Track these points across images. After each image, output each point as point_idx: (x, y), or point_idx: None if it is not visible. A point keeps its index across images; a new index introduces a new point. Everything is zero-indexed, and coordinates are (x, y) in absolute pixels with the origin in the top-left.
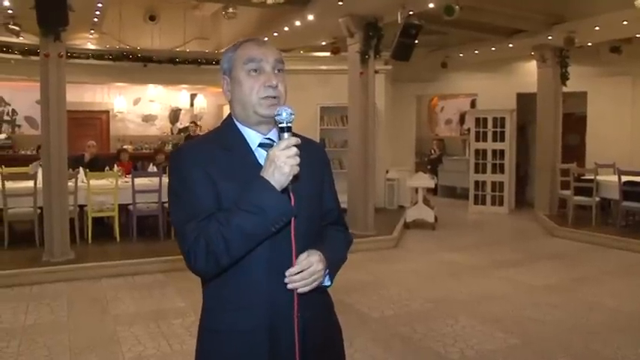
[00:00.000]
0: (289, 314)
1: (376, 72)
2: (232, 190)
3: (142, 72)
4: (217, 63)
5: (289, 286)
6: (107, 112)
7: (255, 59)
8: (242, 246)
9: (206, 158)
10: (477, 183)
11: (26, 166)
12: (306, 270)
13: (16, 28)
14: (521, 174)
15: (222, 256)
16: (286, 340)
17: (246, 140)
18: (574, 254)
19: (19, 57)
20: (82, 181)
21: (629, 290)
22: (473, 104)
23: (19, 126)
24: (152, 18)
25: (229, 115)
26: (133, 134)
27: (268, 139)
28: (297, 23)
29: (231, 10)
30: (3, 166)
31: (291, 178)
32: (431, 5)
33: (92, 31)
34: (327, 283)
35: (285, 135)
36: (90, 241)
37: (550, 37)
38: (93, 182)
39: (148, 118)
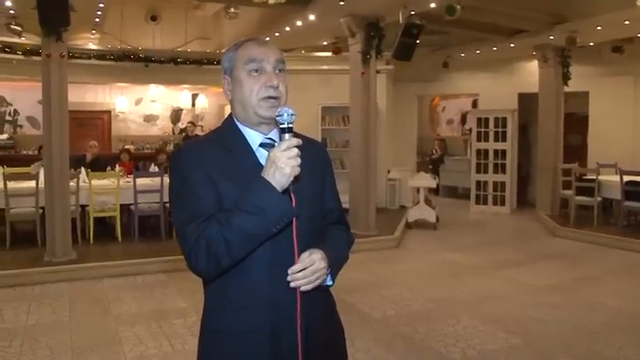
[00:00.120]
0: (292, 314)
1: (378, 72)
2: (233, 190)
3: (143, 72)
4: (219, 63)
5: (292, 284)
6: (109, 112)
7: (257, 59)
8: (243, 247)
9: (207, 158)
10: (478, 183)
11: (28, 166)
12: (308, 268)
13: (18, 28)
14: (523, 174)
15: (224, 257)
16: (288, 340)
17: (246, 140)
18: (576, 254)
19: (21, 57)
20: (84, 181)
21: (631, 290)
22: (474, 104)
23: (20, 126)
24: (153, 18)
25: (230, 115)
26: (135, 134)
27: (269, 139)
28: (299, 23)
29: (232, 10)
30: (5, 166)
31: (292, 179)
32: (432, 5)
33: (94, 32)
34: (329, 282)
35: (287, 136)
36: (92, 241)
37: (552, 37)
38: (94, 182)
39: (149, 118)
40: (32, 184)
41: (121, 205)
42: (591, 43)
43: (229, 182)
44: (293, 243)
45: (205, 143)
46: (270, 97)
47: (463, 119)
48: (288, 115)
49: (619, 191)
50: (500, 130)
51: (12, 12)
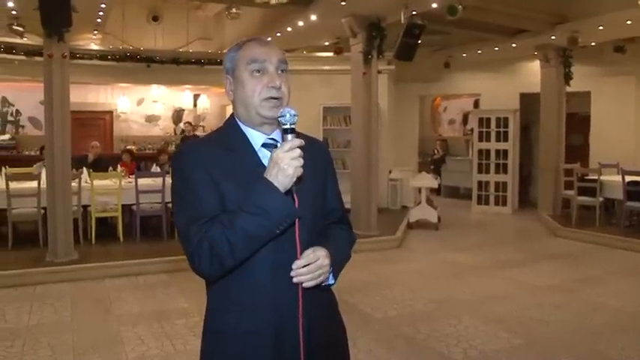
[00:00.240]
0: (294, 314)
1: (379, 72)
2: (235, 190)
3: (145, 72)
4: (220, 63)
5: (295, 280)
6: (110, 112)
7: (259, 60)
8: (246, 248)
9: (208, 158)
10: (480, 183)
11: (30, 167)
12: (313, 263)
13: (20, 28)
14: (525, 174)
15: (227, 259)
16: (291, 340)
17: (249, 140)
18: (578, 254)
19: (23, 58)
20: (86, 182)
21: (633, 290)
22: (476, 104)
23: (22, 126)
24: (155, 18)
25: (232, 115)
26: (137, 134)
27: (271, 139)
28: (300, 23)
29: (234, 10)
30: (7, 167)
31: (295, 179)
32: (434, 5)
33: (95, 32)
34: (331, 281)
35: (289, 136)
36: (93, 241)
37: (553, 37)
38: (96, 182)
39: (151, 119)
40: (34, 184)
41: (123, 206)
42: (593, 43)
43: (231, 182)
44: (296, 243)
45: (207, 143)
46: (272, 98)
47: (465, 119)
48: (290, 115)
49: (621, 191)
50: (501, 130)
51: (14, 13)
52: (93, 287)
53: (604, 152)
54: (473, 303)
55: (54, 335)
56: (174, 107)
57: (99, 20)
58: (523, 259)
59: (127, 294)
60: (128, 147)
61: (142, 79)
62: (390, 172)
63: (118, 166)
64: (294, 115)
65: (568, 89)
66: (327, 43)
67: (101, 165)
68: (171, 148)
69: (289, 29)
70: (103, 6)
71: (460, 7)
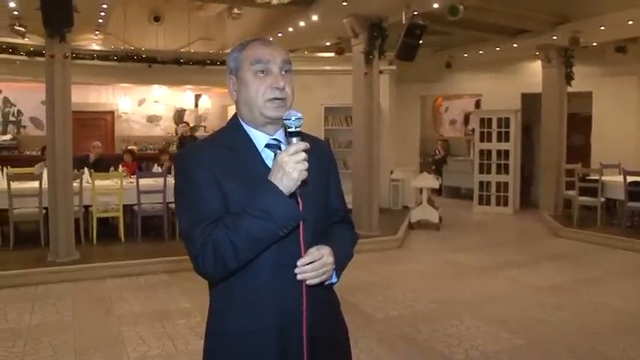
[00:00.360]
0: (298, 313)
1: (380, 72)
2: (238, 190)
3: (146, 73)
4: (222, 64)
5: (299, 277)
6: (112, 112)
7: (262, 60)
8: (250, 250)
9: (211, 159)
10: (481, 183)
11: (31, 167)
12: (317, 261)
13: (22, 29)
14: (526, 174)
15: (231, 261)
16: (295, 340)
17: (252, 141)
18: (579, 255)
19: (25, 58)
20: (87, 182)
21: (635, 291)
22: (477, 104)
23: (24, 127)
24: (157, 19)
25: (235, 116)
26: (138, 135)
27: (275, 139)
28: (302, 24)
29: (235, 10)
30: (8, 167)
31: (299, 183)
32: (435, 5)
33: (97, 32)
34: (333, 279)
35: (294, 140)
36: (95, 241)
37: (555, 37)
38: (98, 183)
39: (152, 119)
40: (36, 184)
41: (124, 206)
42: (594, 43)
43: (234, 182)
44: (299, 245)
45: (210, 144)
46: (276, 99)
47: (466, 120)
48: (295, 118)
49: (622, 191)
50: (503, 130)
51: (16, 13)
52: (94, 287)
53: (605, 152)
54: (474, 303)
55: (55, 335)
56: (176, 107)
57: (100, 20)
58: (524, 259)
59: (129, 294)
60: (129, 147)
61: (143, 80)
62: (391, 172)
63: (120, 166)
64: (300, 119)
65: (569, 89)
66: (328, 44)
67: (102, 165)
68: (173, 148)
69: (291, 29)
70: (105, 6)
71: (461, 7)
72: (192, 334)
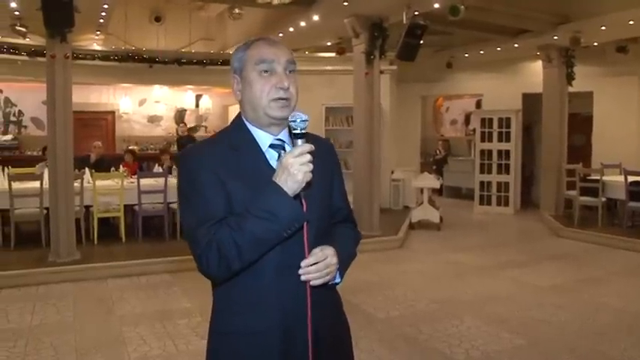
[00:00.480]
0: (302, 313)
1: (381, 72)
2: (242, 190)
3: (147, 73)
4: (223, 64)
5: (303, 278)
6: (113, 112)
7: (267, 60)
8: (254, 251)
9: (214, 159)
10: (482, 183)
11: (32, 167)
12: (321, 262)
13: (23, 29)
14: (527, 174)
15: (235, 261)
16: (299, 340)
17: (256, 141)
18: (580, 255)
19: (26, 58)
20: (88, 182)
21: (636, 291)
22: (478, 104)
23: (25, 127)
24: (157, 19)
25: (239, 115)
26: (139, 135)
27: (279, 139)
28: (303, 24)
29: (236, 10)
30: (9, 167)
31: (304, 185)
32: (436, 5)
33: (98, 32)
34: (337, 279)
35: (299, 141)
36: (96, 241)
37: (556, 37)
38: (99, 183)
39: (153, 119)
40: (36, 184)
41: (125, 206)
42: (595, 43)
43: (238, 182)
44: (303, 245)
45: (214, 143)
46: (280, 99)
47: (467, 120)
48: (301, 120)
49: (623, 191)
50: (504, 130)
51: (17, 13)
52: (95, 287)
53: (606, 152)
54: (475, 303)
55: (56, 335)
56: (177, 107)
57: (101, 21)
58: (525, 259)
59: (130, 294)
60: (130, 147)
61: (144, 80)
62: (392, 172)
63: (121, 166)
64: (305, 121)
65: (570, 89)
66: (329, 44)
67: (103, 165)
68: (174, 148)
69: (291, 29)
70: (106, 6)
71: (462, 7)
72: (194, 335)
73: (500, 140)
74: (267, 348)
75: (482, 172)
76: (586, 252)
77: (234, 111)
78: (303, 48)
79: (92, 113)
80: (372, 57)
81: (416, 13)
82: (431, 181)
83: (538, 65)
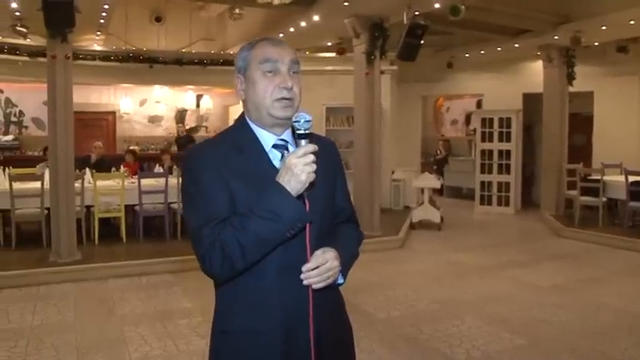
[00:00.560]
0: (304, 314)
1: (382, 72)
2: (245, 190)
3: (148, 73)
4: (223, 64)
5: (305, 282)
6: (113, 113)
7: (271, 59)
8: (257, 251)
9: (218, 159)
10: (482, 183)
11: (33, 167)
12: (322, 266)
13: (24, 29)
14: (528, 174)
15: (238, 261)
16: (301, 340)
17: (259, 140)
18: (580, 255)
19: (27, 58)
20: (89, 182)
21: (636, 291)
22: (479, 104)
23: (26, 127)
24: (158, 19)
25: (242, 115)
26: (139, 135)
27: (282, 140)
28: (303, 24)
29: (237, 10)
30: (10, 167)
31: (307, 185)
32: (437, 5)
33: (98, 33)
34: (340, 280)
35: (303, 142)
36: (96, 241)
37: (556, 37)
38: (99, 183)
39: (154, 119)
40: (37, 184)
41: (126, 206)
42: (596, 43)
43: (241, 182)
44: (305, 245)
45: (217, 143)
46: (284, 99)
47: (467, 120)
48: (305, 121)
49: (624, 191)
50: (504, 130)
51: (17, 14)
52: (96, 287)
53: (607, 152)
54: (476, 303)
55: (57, 335)
56: (177, 108)
57: (102, 21)
58: (526, 259)
59: (130, 294)
60: (131, 147)
61: (144, 80)
62: (392, 172)
63: (121, 166)
64: (309, 121)
65: (571, 89)
66: (329, 44)
67: (104, 165)
68: (174, 148)
69: (292, 30)
70: (106, 7)
71: (463, 7)
72: (194, 335)
73: (500, 140)
74: (269, 348)
75: (482, 172)
76: (587, 252)
77: (234, 111)
78: (304, 48)
79: (93, 113)
80: (372, 57)
81: (416, 13)
82: (431, 181)
83: (538, 65)
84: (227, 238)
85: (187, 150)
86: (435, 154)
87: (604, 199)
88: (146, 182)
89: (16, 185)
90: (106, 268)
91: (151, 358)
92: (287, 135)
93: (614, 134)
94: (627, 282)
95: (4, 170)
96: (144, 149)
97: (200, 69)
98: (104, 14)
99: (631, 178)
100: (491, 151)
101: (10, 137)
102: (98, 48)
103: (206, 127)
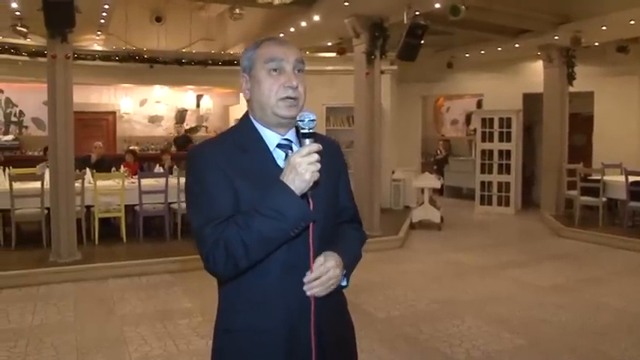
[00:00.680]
0: (306, 313)
1: (382, 72)
2: (249, 189)
3: (148, 73)
4: (223, 64)
5: (308, 293)
6: (114, 113)
7: (276, 59)
8: (261, 250)
9: (222, 158)
10: (483, 183)
11: (33, 167)
12: (324, 275)
13: (24, 29)
14: (528, 174)
15: (242, 260)
16: (303, 339)
17: (263, 140)
18: (580, 255)
19: (27, 58)
20: (89, 182)
21: (636, 291)
22: (479, 104)
23: (26, 127)
24: (158, 19)
25: (247, 114)
26: (140, 135)
27: (286, 139)
28: (303, 24)
29: (237, 10)
30: (10, 167)
31: (311, 184)
32: (437, 5)
33: (99, 33)
34: (343, 283)
35: (307, 141)
36: (97, 241)
37: (556, 37)
38: (99, 183)
39: (154, 119)
40: (37, 184)
41: (126, 206)
42: (596, 43)
43: (245, 181)
44: (309, 244)
45: (221, 142)
46: (289, 98)
47: (467, 120)
48: (309, 120)
49: (624, 191)
50: (504, 130)
51: (18, 13)
52: (96, 287)
53: (607, 152)
54: (476, 303)
55: (57, 335)
56: (177, 108)
57: (102, 21)
58: (526, 259)
59: (130, 294)
60: (131, 147)
61: (144, 80)
62: (392, 172)
63: (121, 166)
64: (313, 121)
65: (571, 89)
66: (329, 44)
67: (104, 165)
68: (174, 148)
69: (292, 30)
70: (106, 7)
71: (463, 7)
72: (194, 334)
73: (500, 140)
74: (272, 347)
75: (482, 172)
76: (587, 252)
77: (234, 111)
78: (304, 48)
79: (93, 113)
80: (372, 57)
81: (416, 13)
82: (432, 181)
83: (539, 65)
84: (231, 237)
85: (191, 149)
86: (435, 154)
87: (604, 199)
88: (146, 182)
89: (16, 185)
90: (106, 268)
91: (151, 358)
92: (291, 135)
93: (614, 134)
94: (627, 282)
95: (4, 170)
96: (144, 149)
97: (200, 69)
98: (104, 14)
99: (631, 178)
100: (491, 151)
101: (10, 137)
102: (98, 48)
103: (206, 127)
